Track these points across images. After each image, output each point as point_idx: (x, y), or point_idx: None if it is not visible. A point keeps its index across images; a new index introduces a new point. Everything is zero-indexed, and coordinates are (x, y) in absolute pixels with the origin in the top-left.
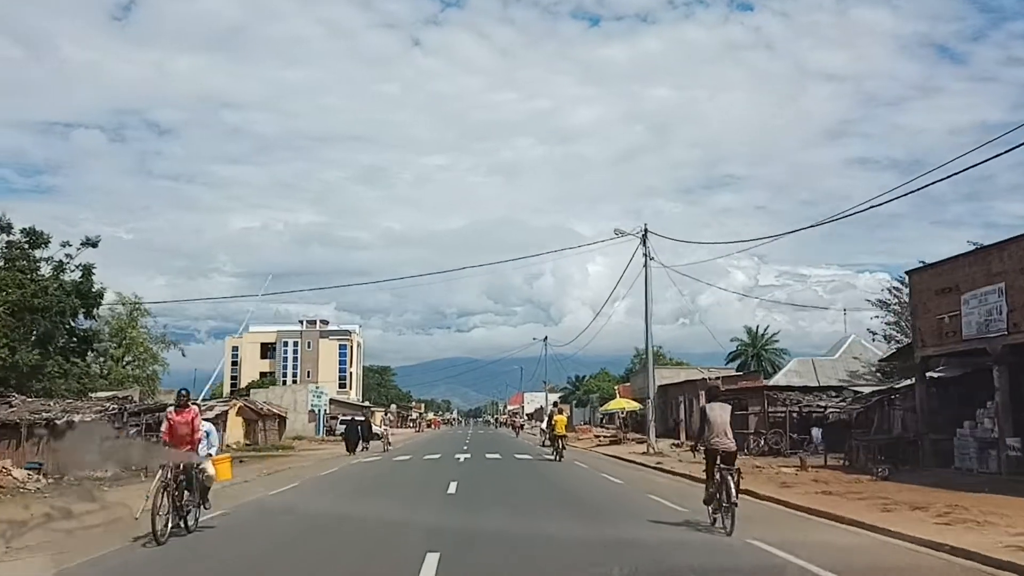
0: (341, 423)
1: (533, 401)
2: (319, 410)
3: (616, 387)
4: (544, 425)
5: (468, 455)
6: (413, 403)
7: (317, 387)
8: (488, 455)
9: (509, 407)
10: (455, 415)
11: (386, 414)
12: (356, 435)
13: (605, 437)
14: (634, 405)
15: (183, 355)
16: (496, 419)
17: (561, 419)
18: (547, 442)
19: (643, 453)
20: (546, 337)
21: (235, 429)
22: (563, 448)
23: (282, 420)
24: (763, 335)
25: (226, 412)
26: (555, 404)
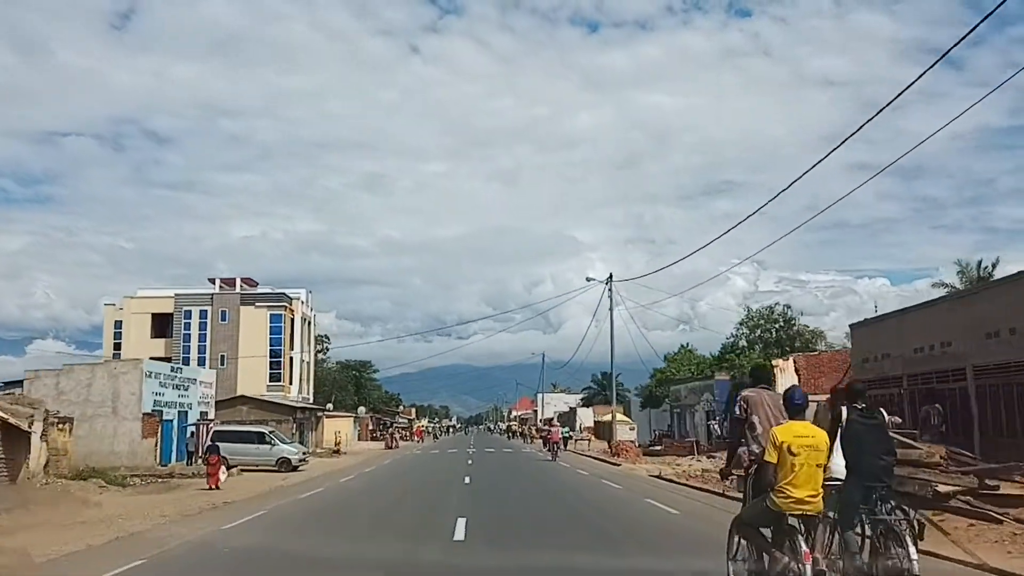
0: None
1: (550, 404)
2: (177, 413)
3: (792, 358)
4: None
5: None
6: (401, 408)
7: (176, 369)
8: None
9: (515, 412)
10: (454, 422)
11: (359, 421)
12: None
13: None
14: None
15: None
16: (510, 428)
17: None
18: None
19: None
20: (611, 276)
21: None
22: None
23: (19, 436)
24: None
25: None
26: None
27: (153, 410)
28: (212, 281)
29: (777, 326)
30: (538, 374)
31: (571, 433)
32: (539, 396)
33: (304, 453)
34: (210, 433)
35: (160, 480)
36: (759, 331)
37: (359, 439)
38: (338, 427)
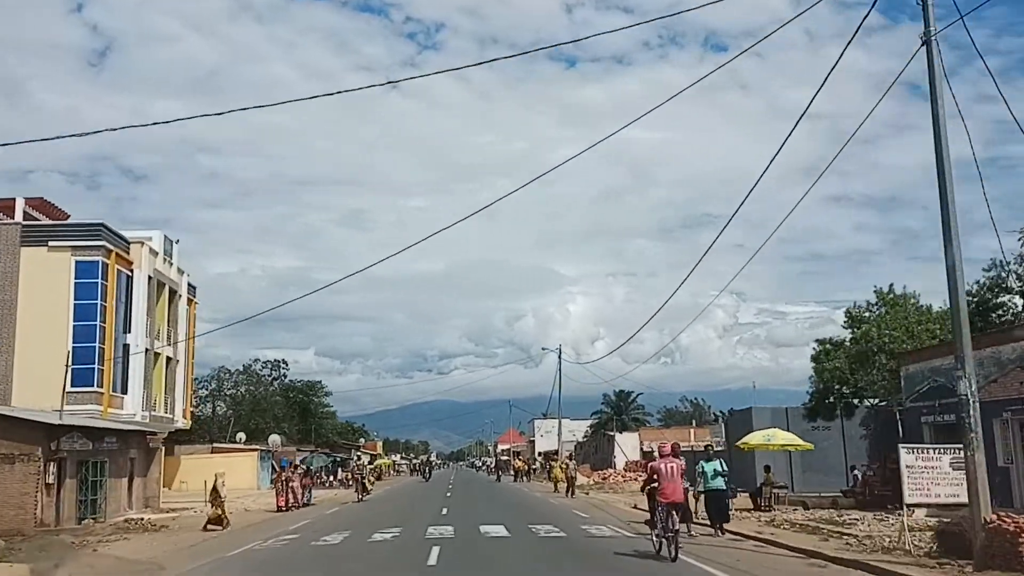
0: None
1: (551, 432)
2: None
3: None
4: None
5: None
6: (363, 443)
7: None
8: None
9: (501, 446)
10: (433, 457)
11: (272, 456)
12: None
13: None
14: None
15: None
16: (505, 464)
17: None
18: None
19: None
20: None
21: None
22: None
23: None
24: None
25: None
26: None
27: None
28: None
29: None
30: (517, 411)
31: (725, 478)
32: (537, 421)
33: None
34: None
35: None
36: None
37: (271, 485)
38: (235, 469)
